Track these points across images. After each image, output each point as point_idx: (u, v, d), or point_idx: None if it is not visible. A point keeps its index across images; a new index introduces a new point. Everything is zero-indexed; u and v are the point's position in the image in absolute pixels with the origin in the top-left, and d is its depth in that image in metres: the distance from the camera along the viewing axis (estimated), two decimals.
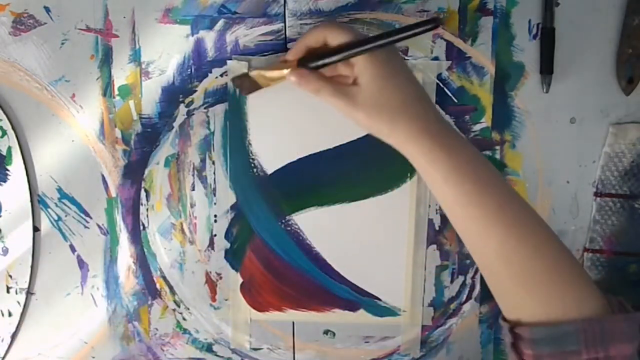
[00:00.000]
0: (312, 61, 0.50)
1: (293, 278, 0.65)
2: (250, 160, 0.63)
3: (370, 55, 0.46)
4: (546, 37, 0.59)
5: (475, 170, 0.47)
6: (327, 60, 0.48)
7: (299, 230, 0.64)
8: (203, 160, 0.63)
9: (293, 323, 0.67)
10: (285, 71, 0.50)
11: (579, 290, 0.44)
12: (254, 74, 0.55)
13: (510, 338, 0.47)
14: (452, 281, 0.65)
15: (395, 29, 0.46)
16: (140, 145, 0.63)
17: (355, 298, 0.65)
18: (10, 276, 0.66)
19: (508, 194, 0.47)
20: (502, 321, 0.49)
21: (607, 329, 0.42)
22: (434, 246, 0.64)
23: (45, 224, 0.65)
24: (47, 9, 0.61)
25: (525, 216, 0.47)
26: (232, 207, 0.64)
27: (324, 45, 0.49)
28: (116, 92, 0.62)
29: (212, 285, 0.66)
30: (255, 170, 0.63)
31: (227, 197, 0.64)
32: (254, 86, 0.55)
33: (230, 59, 0.61)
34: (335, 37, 0.48)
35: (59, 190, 0.64)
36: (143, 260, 0.66)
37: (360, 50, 0.46)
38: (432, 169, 0.47)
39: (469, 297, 0.65)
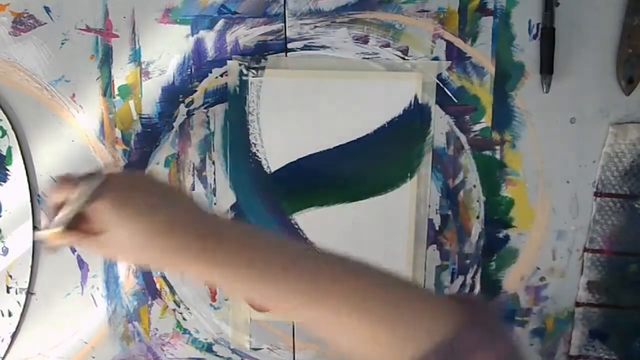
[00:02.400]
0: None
1: None
2: (250, 160, 0.63)
3: (95, 204, 0.44)
4: (546, 37, 0.59)
5: (248, 268, 0.42)
6: (57, 220, 0.46)
7: (299, 230, 0.64)
8: (203, 160, 0.63)
9: (293, 323, 0.67)
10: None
11: (422, 321, 0.41)
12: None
13: None
14: (452, 281, 0.65)
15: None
16: (140, 145, 0.63)
17: None
18: (10, 276, 0.66)
19: (299, 269, 0.43)
20: None
21: (459, 347, 0.39)
22: (434, 246, 0.64)
23: (45, 224, 0.65)
24: (47, 9, 0.61)
25: (328, 285, 0.42)
26: (232, 207, 0.64)
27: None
28: (116, 92, 0.62)
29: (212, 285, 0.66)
30: (255, 170, 0.63)
31: (227, 197, 0.64)
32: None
33: (230, 59, 0.61)
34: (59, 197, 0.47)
35: None
36: None
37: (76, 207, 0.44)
38: (222, 285, 0.44)
39: None
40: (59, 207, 0.47)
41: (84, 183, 0.44)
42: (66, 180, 0.46)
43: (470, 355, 0.38)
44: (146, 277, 0.66)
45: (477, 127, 0.62)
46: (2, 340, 0.67)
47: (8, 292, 0.67)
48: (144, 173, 0.50)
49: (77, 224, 0.46)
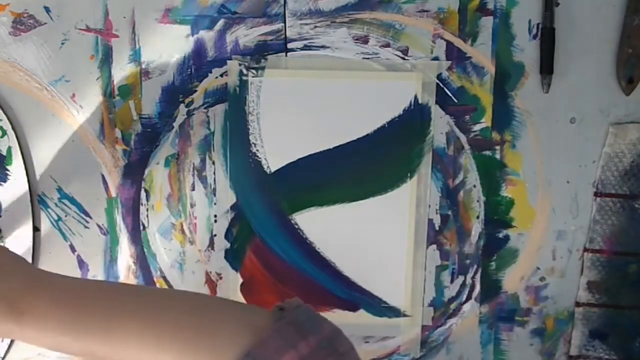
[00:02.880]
0: None
1: (293, 278, 0.65)
2: (250, 160, 0.63)
3: None
4: (546, 37, 0.59)
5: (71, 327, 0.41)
6: None
7: (299, 230, 0.64)
8: (203, 160, 0.63)
9: None
10: None
11: (225, 336, 0.41)
12: None
13: None
14: (452, 281, 0.65)
15: None
16: (140, 145, 0.63)
17: (355, 298, 0.65)
18: None
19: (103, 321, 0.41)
20: None
21: (262, 354, 0.39)
22: (434, 246, 0.64)
23: (45, 224, 0.65)
24: (47, 9, 0.61)
25: (122, 326, 0.41)
26: (232, 207, 0.64)
27: None
28: (116, 92, 0.62)
29: (212, 285, 0.66)
30: (255, 170, 0.63)
31: (227, 197, 0.64)
32: None
33: (230, 59, 0.61)
34: None
35: (59, 190, 0.64)
36: (143, 260, 0.66)
37: None
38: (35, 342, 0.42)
39: (469, 297, 0.65)
40: None
41: None
42: None
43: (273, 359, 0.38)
44: (146, 277, 0.66)
45: (477, 127, 0.62)
46: (2, 340, 0.67)
47: None
48: None
49: None
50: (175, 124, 0.63)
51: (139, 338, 0.41)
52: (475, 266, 0.64)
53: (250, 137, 0.62)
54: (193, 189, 0.64)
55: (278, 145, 0.62)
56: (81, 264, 0.66)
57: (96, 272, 0.66)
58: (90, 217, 0.65)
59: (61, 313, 0.41)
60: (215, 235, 0.65)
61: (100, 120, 0.63)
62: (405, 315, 0.65)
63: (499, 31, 0.60)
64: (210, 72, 0.62)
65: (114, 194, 0.64)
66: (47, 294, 0.41)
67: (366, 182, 0.63)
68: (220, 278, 0.66)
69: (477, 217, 0.63)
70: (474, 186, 0.63)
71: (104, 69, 0.62)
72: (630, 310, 0.64)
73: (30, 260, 0.65)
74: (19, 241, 0.65)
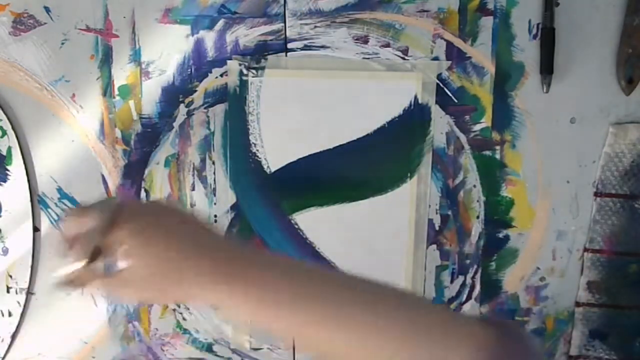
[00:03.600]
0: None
1: None
2: (250, 160, 0.63)
3: (112, 234, 0.40)
4: (546, 37, 0.59)
5: (293, 302, 0.41)
6: (76, 254, 0.41)
7: (299, 230, 0.64)
8: (203, 160, 0.63)
9: None
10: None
11: (445, 344, 0.40)
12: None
13: None
14: (452, 281, 0.65)
15: None
16: (140, 145, 0.63)
17: None
18: (10, 276, 0.66)
19: (345, 306, 0.41)
20: None
21: None
22: (434, 246, 0.64)
23: (45, 224, 0.65)
24: (47, 9, 0.61)
25: (352, 311, 0.41)
26: (232, 207, 0.64)
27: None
28: (116, 92, 0.62)
29: None
30: (255, 170, 0.63)
31: (227, 197, 0.64)
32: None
33: (230, 59, 0.61)
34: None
35: (59, 190, 0.64)
36: None
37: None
38: (243, 313, 0.41)
39: (469, 297, 0.65)
40: (73, 241, 0.41)
41: (97, 212, 0.40)
42: (78, 212, 0.42)
43: None
44: None
45: (477, 127, 0.62)
46: (2, 340, 0.67)
47: (8, 292, 0.67)
48: (156, 201, 0.50)
49: (95, 260, 0.41)
50: (175, 124, 0.63)
51: (377, 332, 0.40)
52: (475, 266, 0.64)
53: (250, 137, 0.62)
54: (193, 189, 0.64)
55: (278, 145, 0.62)
56: None
57: None
58: None
59: (291, 285, 0.40)
60: None
61: (100, 120, 0.63)
62: None
63: (499, 31, 0.60)
64: (210, 72, 0.62)
65: (114, 194, 0.64)
66: (276, 268, 0.41)
67: (366, 182, 0.63)
68: None
69: (477, 217, 0.63)
70: (474, 186, 0.63)
71: (104, 69, 0.62)
72: (630, 310, 0.64)
73: (30, 260, 0.65)
74: (19, 241, 0.65)
